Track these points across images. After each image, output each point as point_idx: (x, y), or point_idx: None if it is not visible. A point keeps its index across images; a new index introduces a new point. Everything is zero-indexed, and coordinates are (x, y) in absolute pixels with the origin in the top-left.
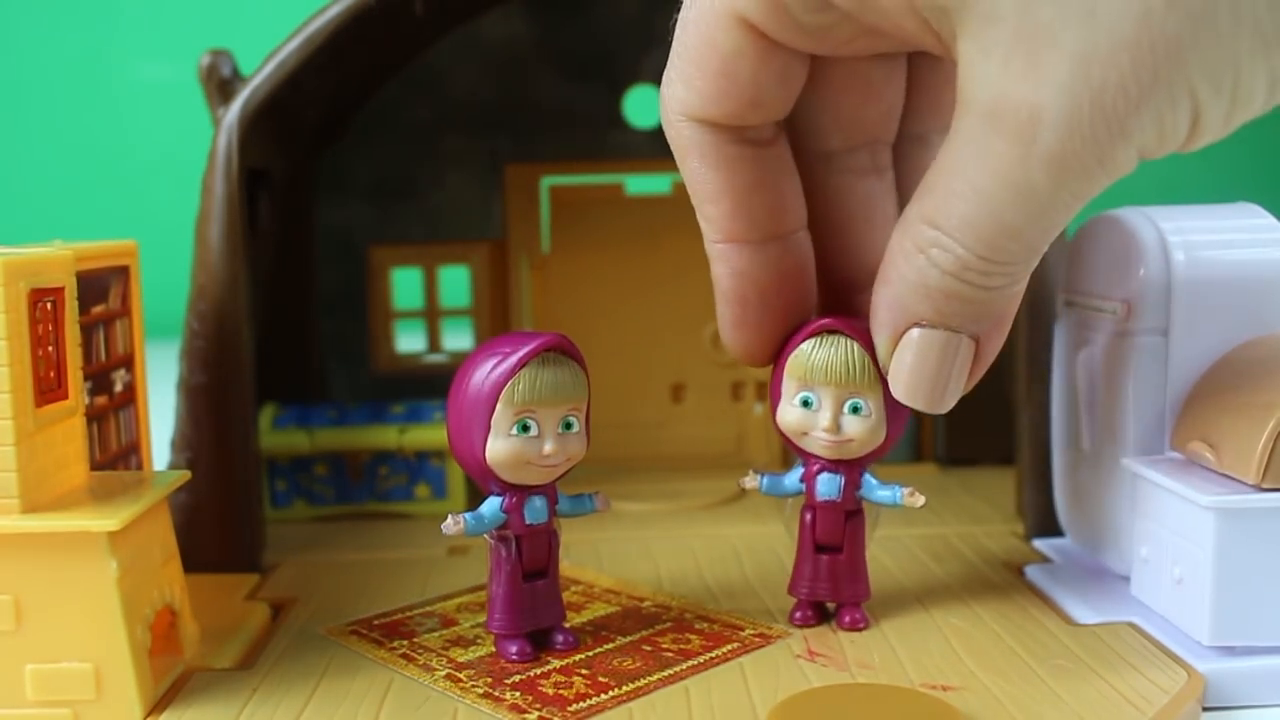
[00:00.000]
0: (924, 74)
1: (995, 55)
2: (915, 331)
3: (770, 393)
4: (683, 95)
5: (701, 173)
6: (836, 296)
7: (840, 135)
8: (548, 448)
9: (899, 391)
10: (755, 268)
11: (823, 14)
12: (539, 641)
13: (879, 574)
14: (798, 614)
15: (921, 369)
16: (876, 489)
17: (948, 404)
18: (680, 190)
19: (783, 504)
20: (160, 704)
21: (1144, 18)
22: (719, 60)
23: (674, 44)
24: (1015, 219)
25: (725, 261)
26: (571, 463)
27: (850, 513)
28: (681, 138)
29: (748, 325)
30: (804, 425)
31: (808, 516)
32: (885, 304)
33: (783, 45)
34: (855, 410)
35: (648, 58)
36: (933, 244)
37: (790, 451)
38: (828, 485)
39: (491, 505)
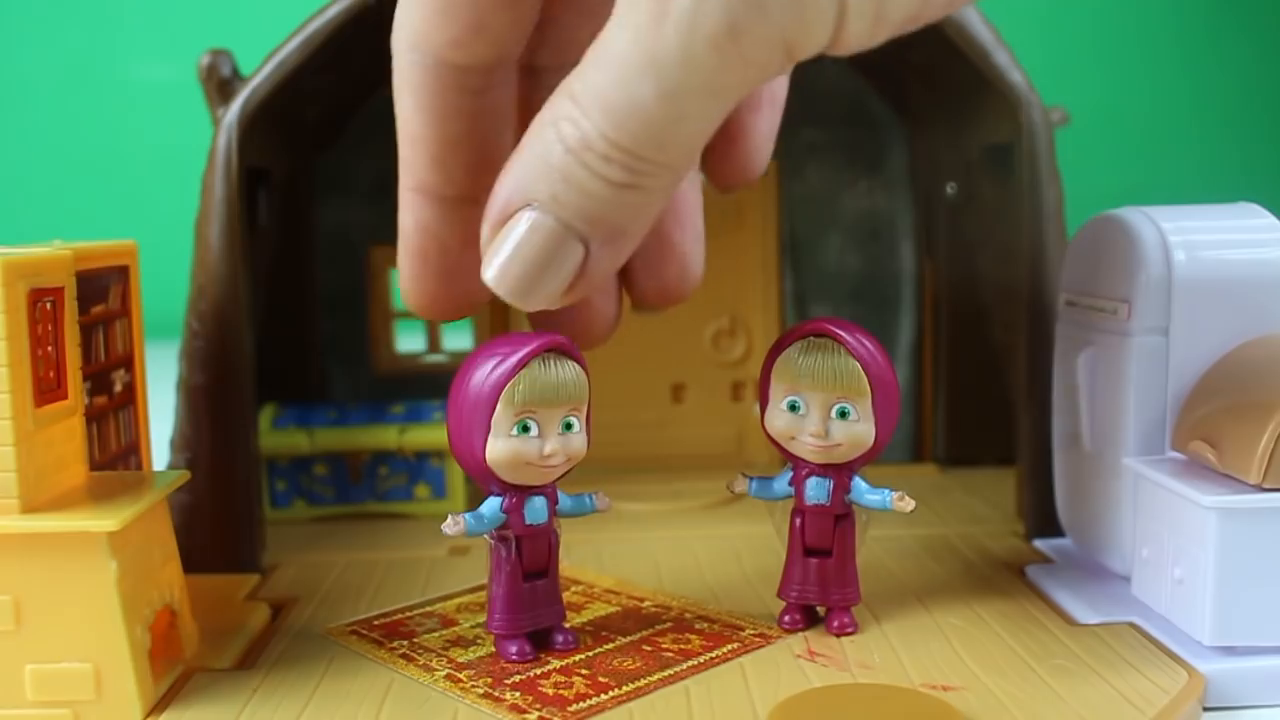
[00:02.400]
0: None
1: None
2: (525, 212)
3: (759, 397)
4: (404, 20)
5: (411, 114)
6: None
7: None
8: (548, 448)
9: (488, 273)
10: (441, 225)
11: None
12: (539, 641)
13: (879, 574)
14: (786, 617)
15: (517, 253)
16: (866, 493)
17: (533, 301)
18: None
19: (773, 506)
20: (160, 704)
21: None
22: None
23: None
24: (643, 91)
25: (412, 212)
26: (572, 463)
27: (839, 516)
28: (400, 71)
29: (425, 280)
30: (792, 430)
31: (797, 520)
32: (505, 178)
33: None
34: (843, 415)
35: None
36: (564, 116)
37: None
38: (816, 489)
39: (491, 505)
